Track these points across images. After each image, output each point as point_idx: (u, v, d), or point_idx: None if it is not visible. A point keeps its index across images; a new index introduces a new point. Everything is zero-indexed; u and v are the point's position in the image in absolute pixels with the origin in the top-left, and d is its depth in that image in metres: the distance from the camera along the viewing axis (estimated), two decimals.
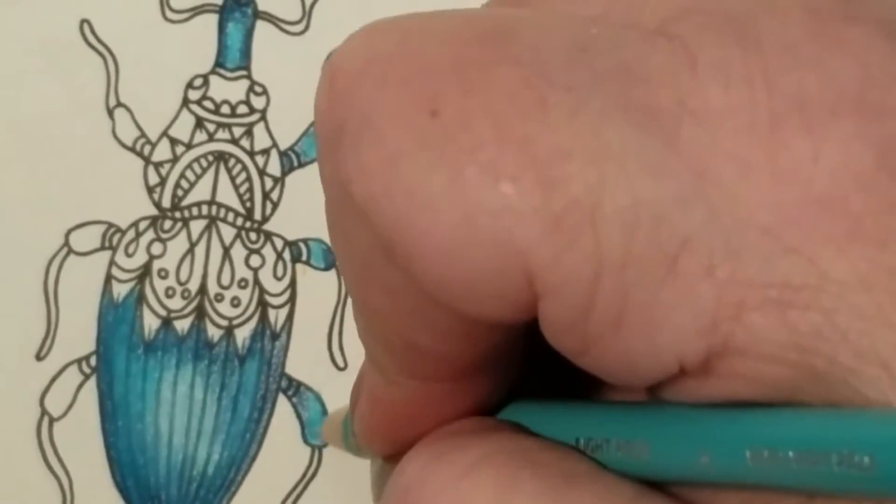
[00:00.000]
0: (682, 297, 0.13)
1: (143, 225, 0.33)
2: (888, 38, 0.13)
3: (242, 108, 0.34)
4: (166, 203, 0.33)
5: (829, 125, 0.13)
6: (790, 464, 0.12)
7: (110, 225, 0.33)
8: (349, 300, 0.33)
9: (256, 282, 0.33)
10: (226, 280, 0.33)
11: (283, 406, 0.32)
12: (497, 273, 0.13)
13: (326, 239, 0.33)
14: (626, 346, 0.13)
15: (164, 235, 0.33)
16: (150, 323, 0.32)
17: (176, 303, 0.32)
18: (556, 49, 0.14)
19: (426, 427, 0.16)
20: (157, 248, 0.33)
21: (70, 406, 0.32)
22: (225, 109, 0.34)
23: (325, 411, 0.32)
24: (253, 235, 0.33)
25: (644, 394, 0.14)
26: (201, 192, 0.33)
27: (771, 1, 0.14)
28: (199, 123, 0.34)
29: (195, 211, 0.33)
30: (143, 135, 0.34)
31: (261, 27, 0.35)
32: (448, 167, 0.13)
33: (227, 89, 0.34)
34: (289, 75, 0.34)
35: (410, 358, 0.15)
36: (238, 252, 0.33)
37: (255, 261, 0.33)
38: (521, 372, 0.17)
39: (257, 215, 0.33)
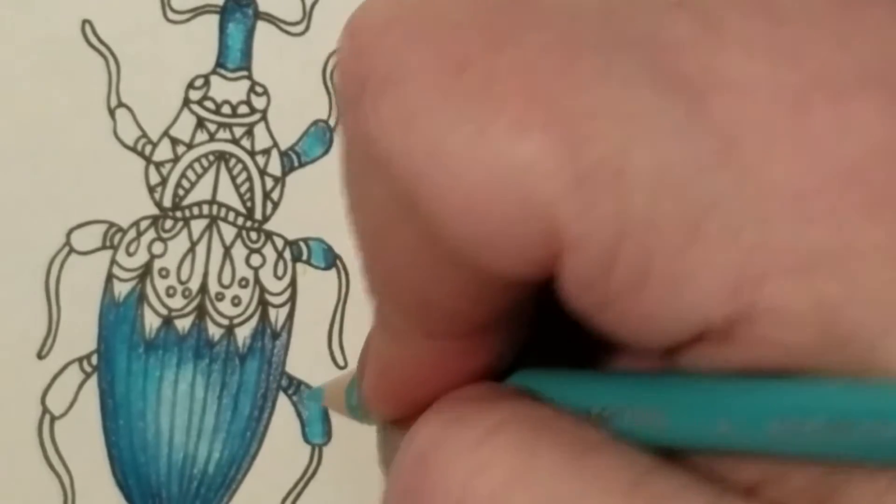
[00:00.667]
0: (705, 262, 0.13)
1: (144, 224, 0.33)
2: None
3: (243, 108, 0.34)
4: (167, 202, 0.33)
5: (853, 99, 0.13)
6: (812, 434, 0.12)
7: (111, 224, 0.33)
8: (349, 299, 0.33)
9: (257, 281, 0.33)
10: (226, 279, 0.33)
11: (283, 405, 0.32)
12: (519, 228, 0.13)
13: (327, 238, 0.33)
14: (647, 308, 0.13)
15: (165, 235, 0.33)
16: (151, 322, 0.32)
17: (177, 302, 0.33)
18: (585, 13, 0.14)
19: (435, 389, 0.16)
20: (158, 248, 0.33)
21: (71, 404, 0.32)
22: (226, 109, 0.34)
23: (325, 409, 0.32)
24: (253, 235, 0.33)
25: (658, 362, 0.14)
26: (202, 191, 0.33)
27: None
28: (200, 123, 0.34)
29: (196, 210, 0.33)
30: (144, 135, 0.34)
31: (261, 28, 0.35)
32: (474, 123, 0.13)
33: (227, 89, 0.34)
34: (289, 76, 0.34)
35: (422, 315, 0.15)
36: (239, 251, 0.33)
37: (255, 260, 0.33)
38: (528, 338, 0.17)
39: (258, 215, 0.33)
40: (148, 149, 0.34)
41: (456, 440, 0.14)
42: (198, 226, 0.33)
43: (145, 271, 0.33)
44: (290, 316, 0.33)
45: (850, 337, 0.12)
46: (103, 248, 0.33)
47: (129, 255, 0.33)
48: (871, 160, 0.13)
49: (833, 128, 0.13)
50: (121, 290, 0.33)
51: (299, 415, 0.32)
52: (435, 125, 0.13)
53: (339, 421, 0.32)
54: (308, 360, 0.32)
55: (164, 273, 0.33)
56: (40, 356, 0.32)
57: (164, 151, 0.34)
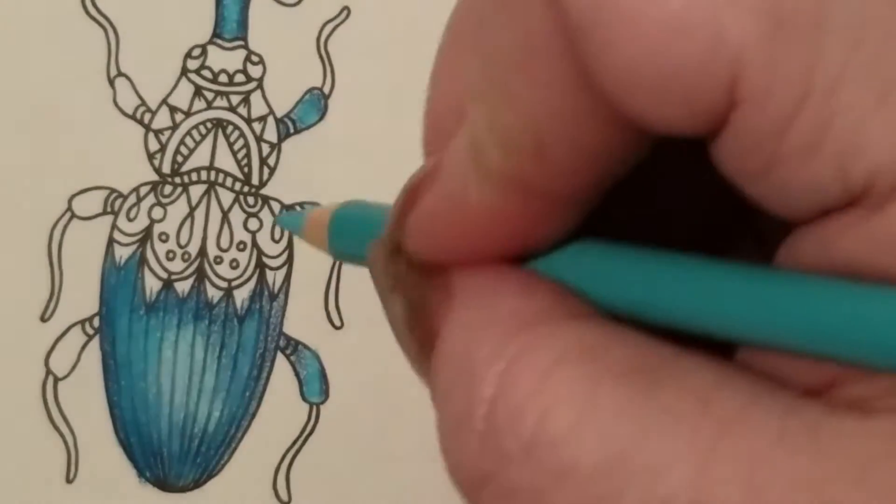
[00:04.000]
0: (888, 129, 0.12)
1: (143, 190, 0.34)
2: None
3: (240, 77, 0.35)
4: (166, 169, 0.34)
5: None
6: None
7: (112, 190, 0.34)
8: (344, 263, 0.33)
9: (254, 244, 0.34)
10: (225, 243, 0.33)
11: (281, 365, 0.33)
12: (701, 71, 0.12)
13: (322, 202, 0.34)
14: (814, 173, 0.12)
15: (164, 200, 0.34)
16: (152, 285, 0.33)
17: (176, 265, 0.33)
18: None
19: (494, 244, 0.15)
20: (157, 213, 0.34)
21: (74, 366, 0.33)
22: (223, 78, 0.35)
23: (322, 369, 0.33)
24: (251, 199, 0.34)
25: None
26: (200, 157, 0.34)
27: None
28: (198, 92, 0.34)
29: (194, 176, 0.34)
30: (143, 103, 0.34)
31: None
32: None
33: (224, 59, 0.35)
34: (284, 45, 0.35)
35: (531, 164, 0.14)
36: (236, 216, 0.34)
37: (252, 224, 0.34)
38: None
39: (255, 180, 0.34)
40: (147, 117, 0.34)
41: (520, 385, 0.13)
42: (196, 191, 0.34)
43: (145, 236, 0.34)
44: (287, 278, 0.33)
45: None
46: (104, 213, 0.34)
47: (130, 220, 0.34)
48: None
49: None
50: (122, 254, 0.33)
51: (297, 374, 0.33)
52: None
53: (336, 380, 0.33)
54: (305, 320, 0.33)
55: (163, 237, 0.33)
56: (43, 319, 0.33)
57: (162, 119, 0.34)
